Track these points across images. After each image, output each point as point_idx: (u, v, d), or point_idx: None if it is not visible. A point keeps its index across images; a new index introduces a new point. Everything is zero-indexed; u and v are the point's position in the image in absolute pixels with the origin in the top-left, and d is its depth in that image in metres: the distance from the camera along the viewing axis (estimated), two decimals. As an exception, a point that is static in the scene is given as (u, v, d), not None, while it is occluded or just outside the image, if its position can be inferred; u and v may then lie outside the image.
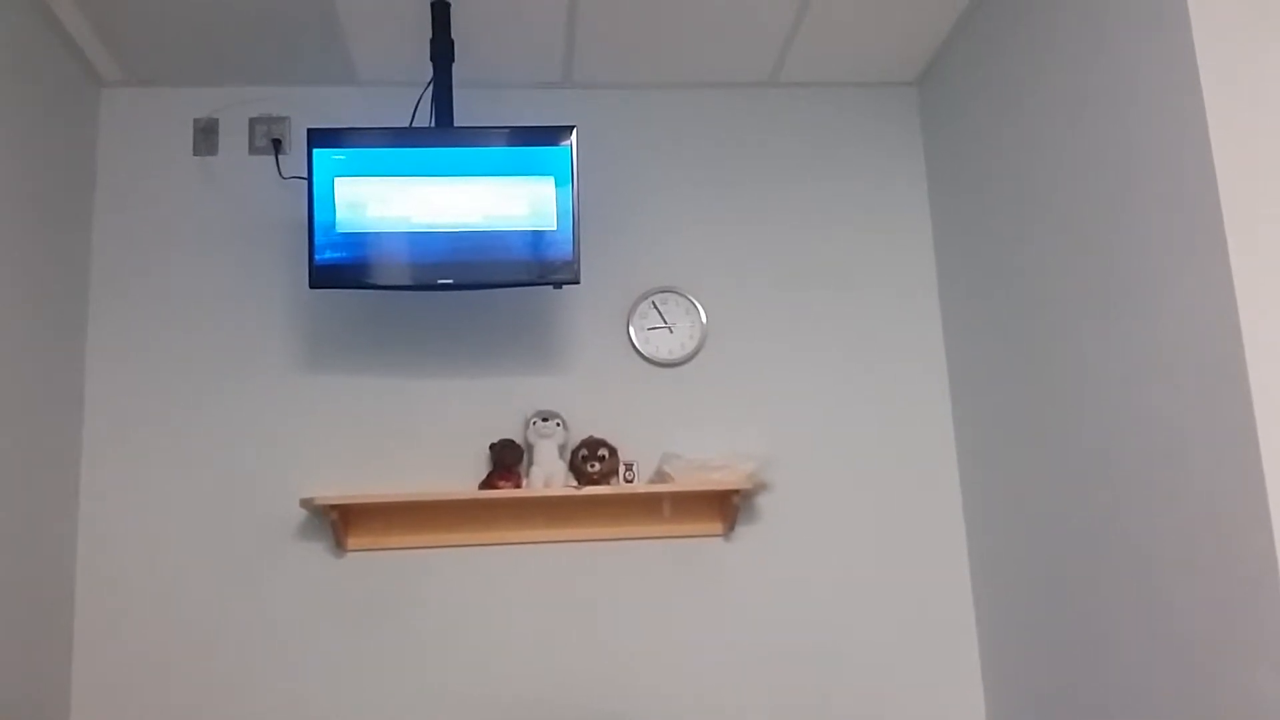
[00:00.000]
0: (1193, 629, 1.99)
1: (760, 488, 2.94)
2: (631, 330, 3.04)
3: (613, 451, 2.88)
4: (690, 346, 3.05)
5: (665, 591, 2.93)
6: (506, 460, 2.86)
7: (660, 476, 2.87)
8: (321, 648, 2.83)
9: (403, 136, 2.71)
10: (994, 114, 2.77)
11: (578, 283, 2.70)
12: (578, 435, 2.92)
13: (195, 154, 3.04)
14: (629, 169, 3.14)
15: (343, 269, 2.64)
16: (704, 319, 3.06)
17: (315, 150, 2.66)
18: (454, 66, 2.80)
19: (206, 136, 3.05)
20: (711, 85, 3.19)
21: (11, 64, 2.53)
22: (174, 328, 2.95)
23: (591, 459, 2.85)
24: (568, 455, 2.89)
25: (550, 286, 2.73)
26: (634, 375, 3.03)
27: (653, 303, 3.06)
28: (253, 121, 3.06)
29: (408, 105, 2.89)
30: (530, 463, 2.87)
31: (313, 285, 2.64)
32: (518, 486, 2.84)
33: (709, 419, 3.02)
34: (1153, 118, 2.06)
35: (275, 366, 2.95)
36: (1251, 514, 1.82)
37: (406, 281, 2.66)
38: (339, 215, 2.65)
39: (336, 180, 2.65)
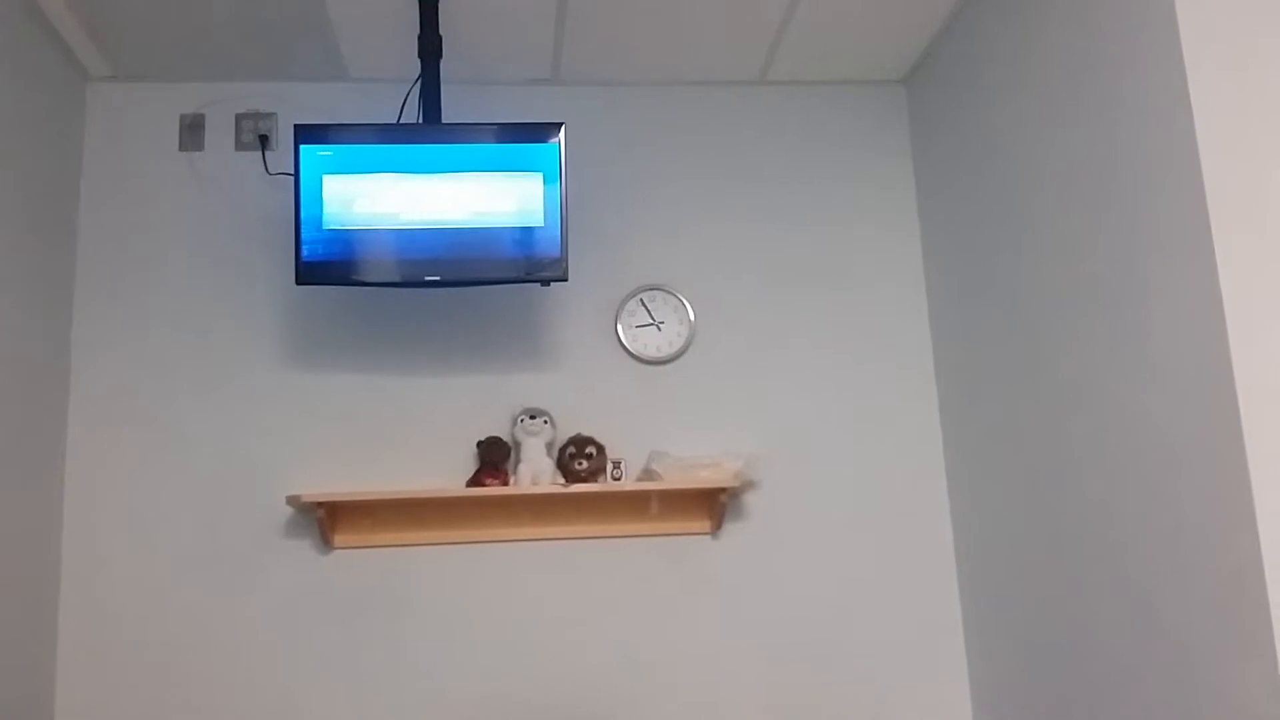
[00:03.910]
0: (1179, 629, 2.00)
1: (748, 486, 2.94)
2: (620, 328, 3.04)
3: (600, 449, 2.88)
4: (678, 344, 3.05)
5: (653, 589, 2.93)
6: (494, 458, 2.85)
7: (648, 474, 2.87)
8: (308, 645, 2.82)
9: (390, 133, 2.70)
10: (982, 113, 2.77)
11: (566, 280, 2.70)
12: (565, 433, 2.91)
13: (181, 149, 3.03)
14: (617, 166, 3.13)
15: (329, 265, 2.63)
16: (692, 317, 3.06)
17: (302, 146, 2.65)
18: (442, 63, 2.79)
19: (193, 132, 3.03)
20: (700, 83, 3.18)
21: (-4, 58, 2.52)
22: (159, 323, 2.94)
23: (579, 456, 2.85)
24: (555, 453, 2.89)
25: (538, 284, 2.72)
26: (622, 373, 3.03)
27: (641, 300, 3.06)
28: (239, 117, 3.04)
29: (395, 101, 2.88)
30: (518, 460, 2.86)
31: (299, 282, 2.63)
32: (505, 484, 2.84)
33: (697, 417, 3.02)
34: (1140, 117, 2.07)
35: (261, 363, 2.94)
36: (1238, 514, 1.82)
37: (394, 278, 2.66)
38: (326, 211, 2.63)
39: (324, 176, 2.64)
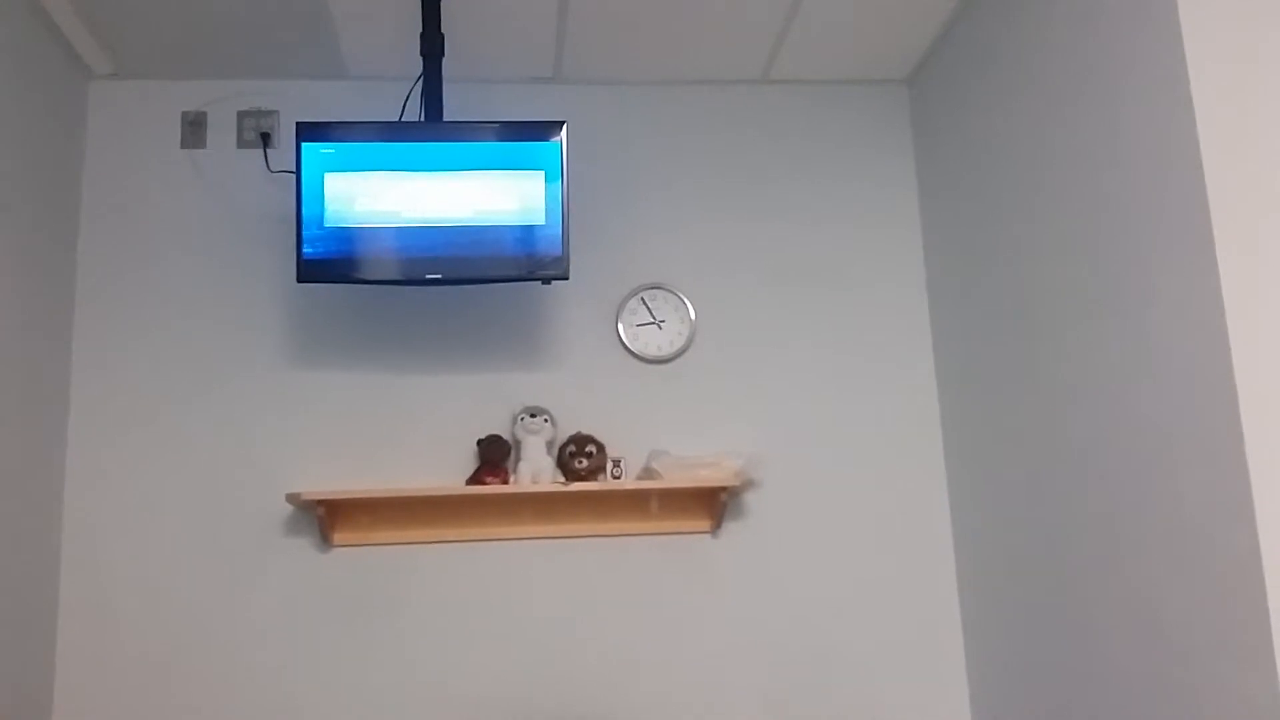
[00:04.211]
0: (1178, 630, 2.00)
1: (748, 485, 2.94)
2: (620, 326, 3.04)
3: (600, 448, 2.88)
4: (679, 343, 3.05)
5: (652, 588, 2.93)
6: (494, 456, 2.85)
7: (648, 473, 2.87)
8: (307, 643, 2.82)
9: (392, 131, 2.70)
10: (984, 113, 2.77)
11: (567, 278, 2.70)
12: (566, 431, 2.91)
13: (183, 147, 3.03)
14: (619, 165, 3.13)
15: (331, 263, 2.63)
16: (693, 315, 3.06)
17: (304, 144, 2.65)
18: (444, 61, 2.79)
19: (195, 130, 3.04)
20: (703, 82, 3.18)
21: (0, 58, 2.53)
22: (160, 321, 2.94)
23: (579, 455, 2.85)
24: (556, 451, 2.89)
25: (539, 282, 2.72)
26: (623, 371, 3.03)
27: (642, 299, 3.06)
28: (241, 115, 3.05)
29: (397, 99, 2.88)
30: (518, 459, 2.86)
31: (300, 279, 2.63)
32: (505, 482, 2.84)
33: (697, 416, 3.02)
34: (1143, 118, 2.07)
35: (262, 361, 2.95)
36: (1237, 516, 1.82)
37: (395, 276, 2.66)
38: (327, 209, 2.64)
39: (325, 174, 2.64)
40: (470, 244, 2.65)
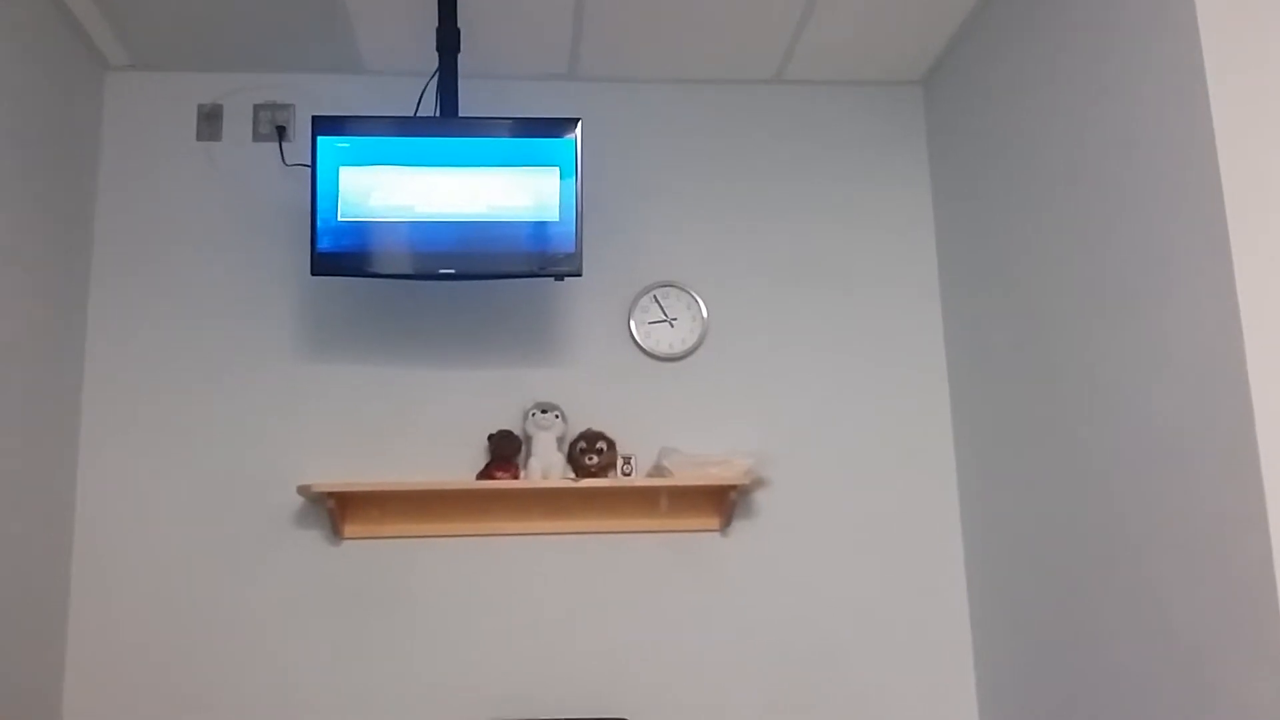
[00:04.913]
0: (1189, 632, 1.99)
1: (758, 484, 2.93)
2: (632, 324, 3.04)
3: (611, 445, 2.88)
4: (691, 341, 3.05)
5: (661, 586, 2.93)
6: (504, 451, 2.86)
7: (658, 471, 2.87)
8: (316, 635, 2.83)
9: (407, 126, 2.71)
10: (999, 114, 2.77)
11: (580, 275, 2.70)
12: (576, 428, 2.91)
13: (199, 139, 3.04)
14: (633, 163, 3.14)
15: (344, 257, 2.64)
16: (705, 314, 3.06)
17: (319, 138, 2.66)
18: (460, 57, 2.80)
19: (210, 122, 3.05)
20: (717, 81, 3.19)
21: (17, 47, 2.53)
22: (174, 313, 2.95)
23: (590, 452, 2.85)
24: (566, 447, 2.89)
25: (552, 278, 2.73)
26: (634, 369, 3.03)
27: (654, 297, 3.06)
28: (257, 108, 3.06)
29: (413, 95, 2.89)
30: (528, 454, 2.87)
31: (314, 273, 2.64)
32: (515, 478, 2.84)
33: (708, 414, 3.02)
34: (1158, 119, 2.06)
35: (275, 353, 2.95)
36: (1250, 517, 1.81)
37: (408, 270, 2.66)
38: (342, 203, 2.64)
39: (340, 168, 2.65)
40: (484, 239, 2.65)
